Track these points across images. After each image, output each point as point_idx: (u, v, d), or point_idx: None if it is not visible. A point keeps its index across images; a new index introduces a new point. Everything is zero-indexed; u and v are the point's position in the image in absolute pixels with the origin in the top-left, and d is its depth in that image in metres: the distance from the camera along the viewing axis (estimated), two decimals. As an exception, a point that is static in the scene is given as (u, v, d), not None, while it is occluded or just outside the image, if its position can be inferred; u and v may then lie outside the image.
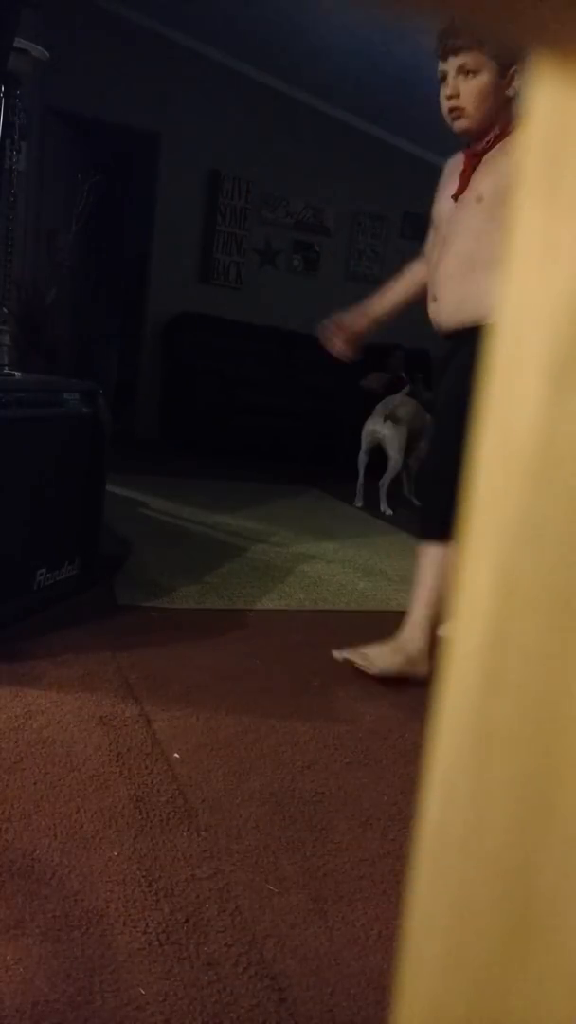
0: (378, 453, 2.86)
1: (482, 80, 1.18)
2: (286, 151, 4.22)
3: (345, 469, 3.13)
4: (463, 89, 1.20)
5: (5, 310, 2.33)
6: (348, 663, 1.32)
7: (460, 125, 1.25)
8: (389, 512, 2.82)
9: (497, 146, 1.24)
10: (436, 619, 1.31)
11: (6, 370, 1.59)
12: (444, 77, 1.22)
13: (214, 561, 1.98)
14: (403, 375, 3.80)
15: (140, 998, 0.65)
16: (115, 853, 0.82)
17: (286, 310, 4.36)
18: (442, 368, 1.37)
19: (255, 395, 3.92)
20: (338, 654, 1.34)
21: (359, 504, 2.93)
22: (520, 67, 1.18)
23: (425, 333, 5.46)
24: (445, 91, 1.23)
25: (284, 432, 3.90)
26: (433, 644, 1.31)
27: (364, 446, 2.87)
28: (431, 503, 1.37)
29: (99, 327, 4.39)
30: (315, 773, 1.03)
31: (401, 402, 2.90)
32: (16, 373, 1.58)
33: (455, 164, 1.35)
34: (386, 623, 1.73)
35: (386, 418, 2.80)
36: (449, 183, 1.34)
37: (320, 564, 2.08)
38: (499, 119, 1.23)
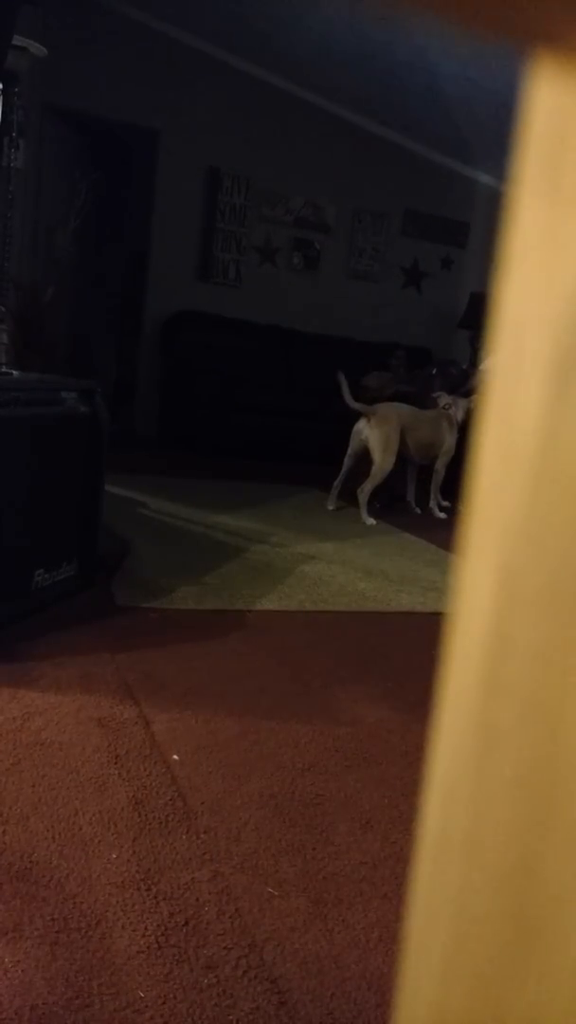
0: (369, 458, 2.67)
1: None
2: (286, 148, 4.21)
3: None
4: None
5: (3, 308, 2.33)
6: None
7: None
8: (371, 522, 2.58)
9: None
10: None
11: (4, 369, 1.59)
12: None
13: (213, 561, 1.97)
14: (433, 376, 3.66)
15: (139, 1001, 0.65)
16: (114, 855, 0.82)
17: (286, 308, 4.36)
18: None
19: (255, 394, 3.91)
20: None
21: (331, 507, 2.74)
22: None
23: (424, 332, 5.42)
24: None
25: (284, 432, 3.89)
26: None
27: (350, 448, 2.70)
28: None
29: (97, 325, 4.39)
30: (315, 775, 1.03)
31: (386, 403, 2.77)
32: (14, 372, 1.58)
33: None
34: (386, 624, 1.72)
35: (368, 417, 2.62)
36: None
37: (320, 564, 2.08)
38: None
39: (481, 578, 0.17)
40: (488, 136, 3.86)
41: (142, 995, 0.65)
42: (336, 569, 2.06)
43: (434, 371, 3.73)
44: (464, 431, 2.86)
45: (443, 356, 4.52)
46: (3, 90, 2.16)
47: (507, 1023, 0.16)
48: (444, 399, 2.89)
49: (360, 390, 3.27)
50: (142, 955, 0.69)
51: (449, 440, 2.85)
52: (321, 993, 0.68)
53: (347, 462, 2.74)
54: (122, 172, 4.22)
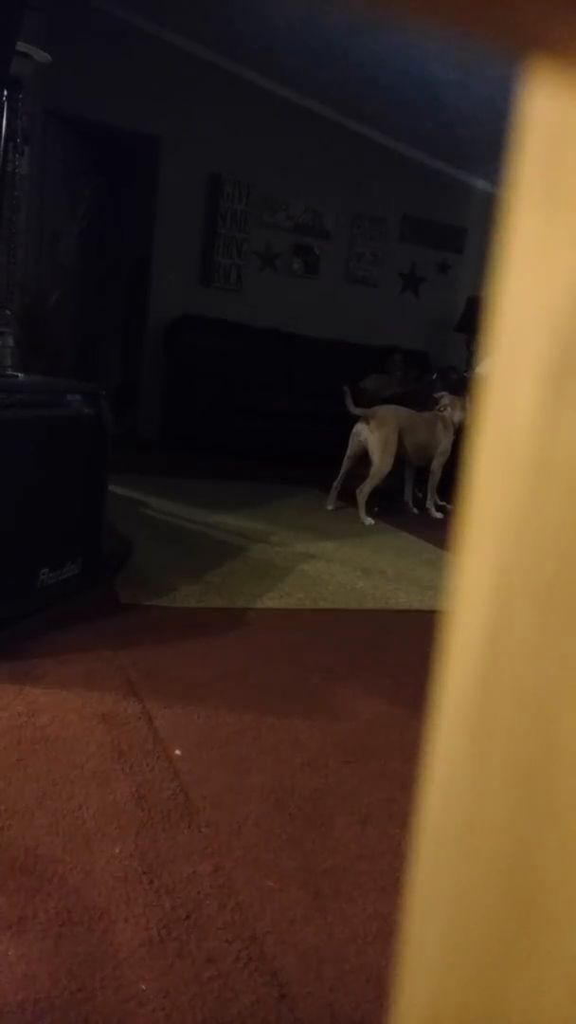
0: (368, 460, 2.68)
1: None
2: (286, 154, 4.23)
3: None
4: None
5: (8, 312, 2.34)
6: None
7: None
8: (369, 522, 2.61)
9: None
10: None
11: (9, 371, 1.60)
12: None
13: (215, 560, 1.98)
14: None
15: (141, 994, 0.65)
16: (116, 850, 0.82)
17: (286, 312, 4.38)
18: None
19: (255, 396, 3.93)
20: None
21: (330, 507, 2.77)
22: None
23: (422, 336, 5.44)
24: None
25: (284, 433, 3.90)
26: None
27: (349, 449, 2.73)
28: None
29: (101, 329, 4.40)
30: (315, 770, 1.04)
31: (384, 406, 2.80)
32: (19, 374, 1.59)
33: None
34: (384, 621, 1.73)
35: (367, 420, 2.66)
36: None
37: (320, 563, 2.09)
38: None
39: (478, 577, 0.17)
40: (485, 142, 3.89)
41: (144, 988, 0.66)
42: (335, 568, 2.07)
43: (434, 376, 3.75)
44: (461, 432, 2.88)
45: (441, 359, 4.54)
46: (7, 96, 2.18)
47: (504, 1015, 0.17)
48: (445, 399, 2.91)
49: (358, 393, 3.28)
50: (144, 948, 0.70)
51: (445, 441, 2.87)
52: (321, 986, 0.69)
53: (346, 463, 2.76)
54: (125, 178, 4.24)
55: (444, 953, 0.18)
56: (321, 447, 3.35)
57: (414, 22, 0.13)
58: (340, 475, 2.78)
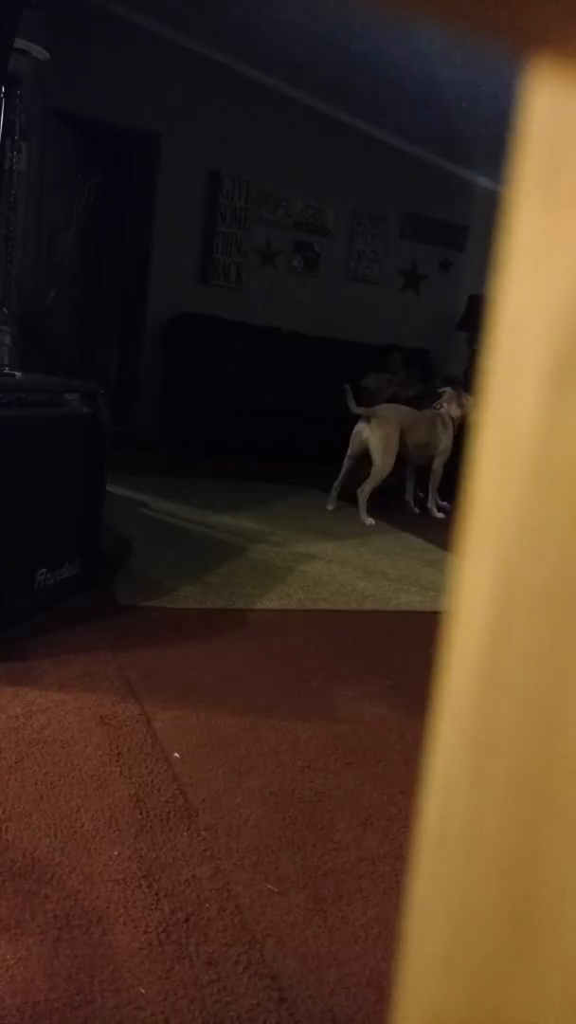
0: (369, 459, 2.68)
1: None
2: (286, 151, 4.22)
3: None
4: None
5: (6, 310, 2.34)
6: None
7: None
8: (370, 522, 2.60)
9: None
10: None
11: (7, 370, 1.59)
12: None
13: (214, 561, 1.98)
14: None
15: (140, 997, 0.65)
16: (115, 853, 0.82)
17: (286, 310, 4.37)
18: None
19: (255, 395, 3.92)
20: None
21: (330, 507, 2.76)
22: None
23: (423, 334, 5.45)
24: None
25: (284, 432, 3.90)
26: None
27: (350, 449, 2.72)
28: None
29: (99, 327, 4.40)
30: (315, 772, 1.03)
31: (386, 405, 2.80)
32: (16, 373, 1.58)
33: None
34: (385, 622, 1.73)
35: (369, 419, 2.65)
36: None
37: (320, 564, 2.08)
38: None
39: (479, 577, 0.17)
40: (486, 139, 3.88)
41: (143, 992, 0.66)
42: (335, 568, 2.06)
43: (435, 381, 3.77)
44: (461, 429, 2.88)
45: (442, 357, 4.54)
46: (5, 93, 2.17)
47: (505, 1017, 0.17)
48: (448, 394, 2.91)
49: (359, 391, 3.28)
50: (143, 952, 0.70)
51: (445, 440, 2.87)
52: (321, 989, 0.68)
53: (347, 463, 2.75)
54: (124, 175, 4.24)
55: (445, 955, 0.18)
56: (321, 447, 3.35)
57: (416, 19, 0.13)
58: (341, 475, 2.78)
